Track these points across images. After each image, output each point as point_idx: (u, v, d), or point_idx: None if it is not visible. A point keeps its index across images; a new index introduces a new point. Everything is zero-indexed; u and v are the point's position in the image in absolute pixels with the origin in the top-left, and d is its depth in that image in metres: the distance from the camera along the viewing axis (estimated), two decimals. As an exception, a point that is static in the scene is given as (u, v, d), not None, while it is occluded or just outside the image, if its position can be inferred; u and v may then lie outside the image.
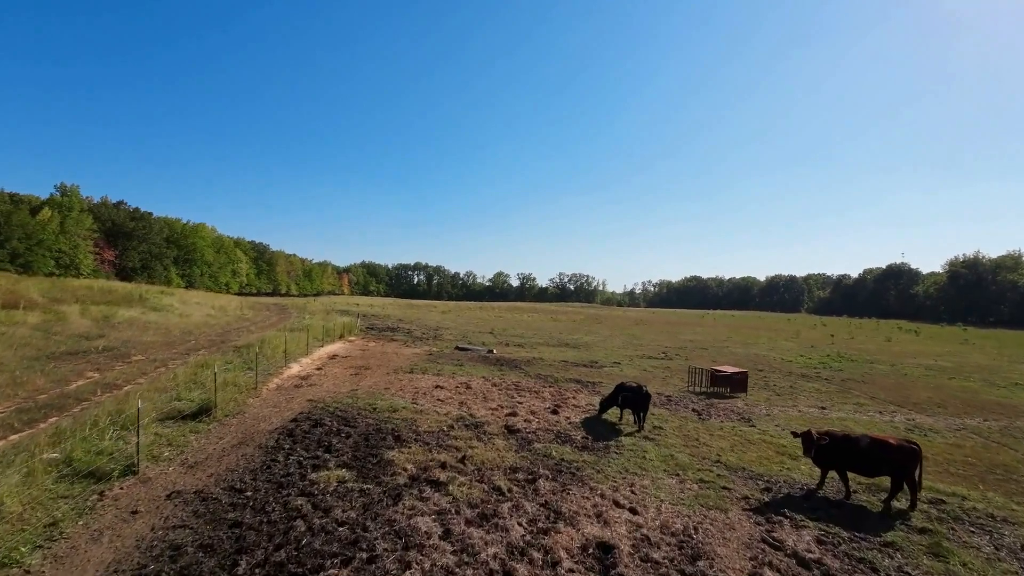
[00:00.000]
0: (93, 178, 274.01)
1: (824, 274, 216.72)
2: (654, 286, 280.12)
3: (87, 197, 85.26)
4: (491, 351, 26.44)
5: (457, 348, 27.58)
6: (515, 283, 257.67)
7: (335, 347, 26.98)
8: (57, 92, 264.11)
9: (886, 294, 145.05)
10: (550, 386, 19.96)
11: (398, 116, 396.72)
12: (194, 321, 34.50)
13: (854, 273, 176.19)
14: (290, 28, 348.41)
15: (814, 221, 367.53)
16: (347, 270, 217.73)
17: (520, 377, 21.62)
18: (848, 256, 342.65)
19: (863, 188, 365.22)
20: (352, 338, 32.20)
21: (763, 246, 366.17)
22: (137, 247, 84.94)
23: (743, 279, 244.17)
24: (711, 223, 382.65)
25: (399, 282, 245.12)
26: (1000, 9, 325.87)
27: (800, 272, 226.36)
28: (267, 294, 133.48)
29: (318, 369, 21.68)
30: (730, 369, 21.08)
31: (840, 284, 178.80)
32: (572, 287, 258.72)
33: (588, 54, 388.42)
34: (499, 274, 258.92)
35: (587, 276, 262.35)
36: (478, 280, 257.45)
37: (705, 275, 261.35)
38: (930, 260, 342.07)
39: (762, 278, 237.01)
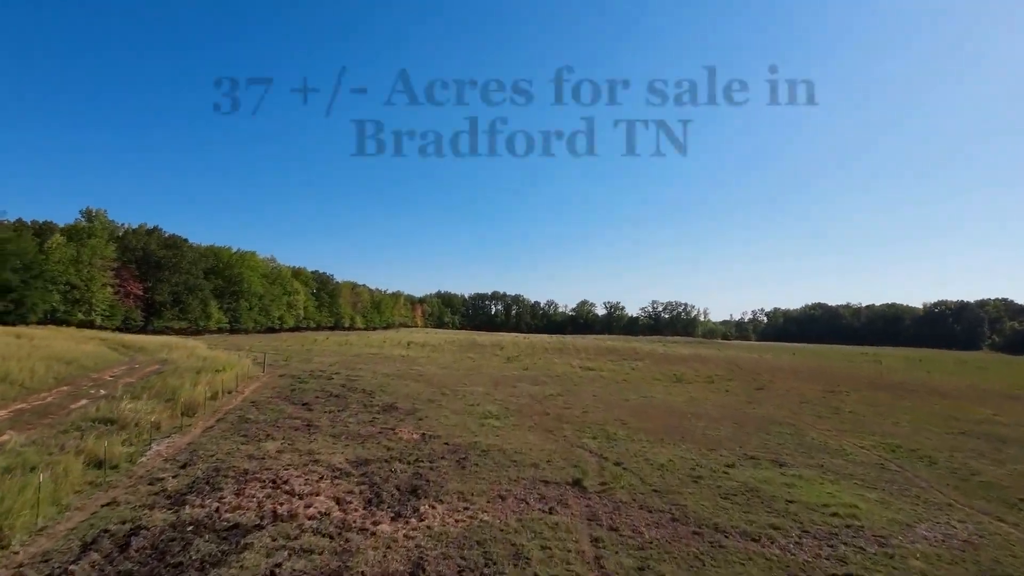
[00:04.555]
0: (160, 211, 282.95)
1: (1009, 300, 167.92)
2: (766, 315, 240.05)
3: (123, 224, 78.17)
4: None
5: None
6: (601, 312, 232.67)
7: None
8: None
9: None
10: None
11: (479, 142, 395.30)
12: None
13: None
14: (367, 53, 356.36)
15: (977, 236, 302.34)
16: (421, 300, 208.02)
17: None
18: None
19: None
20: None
21: (890, 264, 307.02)
22: (169, 279, 75.56)
23: (887, 306, 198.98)
24: (831, 242, 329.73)
25: (476, 313, 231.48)
26: None
27: (967, 296, 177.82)
28: (328, 328, 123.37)
29: None
30: None
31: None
32: (667, 316, 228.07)
33: (678, 71, 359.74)
34: (583, 303, 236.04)
35: (684, 304, 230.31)
36: (560, 310, 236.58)
37: (832, 301, 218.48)
38: None
39: (917, 304, 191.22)
